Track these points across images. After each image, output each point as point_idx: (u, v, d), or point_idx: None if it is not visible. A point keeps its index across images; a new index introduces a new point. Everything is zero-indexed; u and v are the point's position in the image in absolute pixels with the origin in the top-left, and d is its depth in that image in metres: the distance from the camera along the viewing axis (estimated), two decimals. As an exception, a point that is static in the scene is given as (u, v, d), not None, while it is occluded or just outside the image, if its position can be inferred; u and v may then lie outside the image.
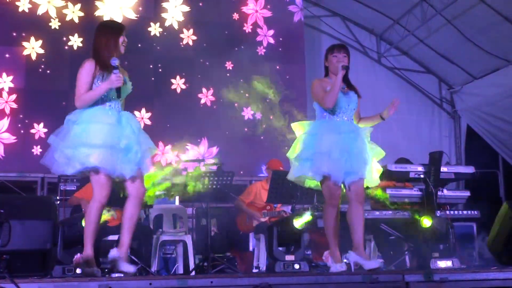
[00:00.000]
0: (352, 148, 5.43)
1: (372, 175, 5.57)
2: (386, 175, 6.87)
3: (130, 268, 4.92)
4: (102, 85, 4.90)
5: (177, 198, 7.64)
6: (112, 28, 5.16)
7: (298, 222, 6.32)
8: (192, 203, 8.12)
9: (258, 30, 11.13)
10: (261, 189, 8.07)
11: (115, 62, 4.91)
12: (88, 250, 4.90)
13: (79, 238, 5.25)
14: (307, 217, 6.27)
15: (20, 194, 8.49)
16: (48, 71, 9.91)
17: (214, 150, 10.43)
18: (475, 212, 7.34)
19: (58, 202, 7.86)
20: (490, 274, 4.76)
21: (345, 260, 5.71)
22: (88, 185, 7.27)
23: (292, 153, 5.58)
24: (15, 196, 7.96)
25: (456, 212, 7.37)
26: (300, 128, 5.67)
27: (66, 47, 10.02)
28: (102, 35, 5.11)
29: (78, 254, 5.06)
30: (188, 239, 7.47)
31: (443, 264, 5.80)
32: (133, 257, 6.45)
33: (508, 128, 11.12)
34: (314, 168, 5.39)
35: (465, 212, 7.36)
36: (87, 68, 4.96)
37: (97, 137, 4.83)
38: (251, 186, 8.43)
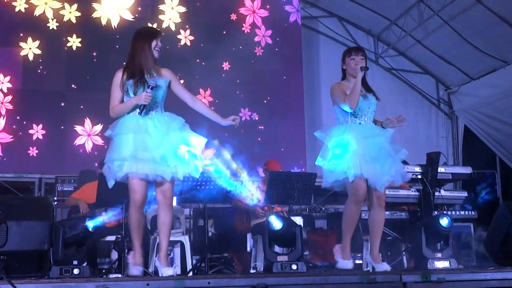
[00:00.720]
0: (382, 152, 5.48)
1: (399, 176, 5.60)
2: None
3: (167, 271, 5.04)
4: (130, 100, 5.08)
5: (174, 198, 7.63)
6: (146, 33, 5.34)
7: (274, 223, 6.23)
8: (189, 203, 8.12)
9: (256, 30, 11.13)
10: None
11: (153, 83, 5.08)
12: (138, 256, 5.15)
13: (80, 239, 5.31)
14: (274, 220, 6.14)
15: (17, 194, 8.47)
16: (45, 72, 9.90)
17: (211, 151, 10.41)
18: (473, 213, 7.35)
19: (56, 202, 7.86)
20: (487, 275, 4.77)
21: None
22: (85, 186, 7.29)
23: (323, 160, 5.61)
24: (12, 196, 7.95)
25: (453, 212, 7.38)
26: (326, 135, 5.69)
27: (65, 48, 10.02)
28: (137, 41, 5.26)
29: (132, 253, 5.26)
30: (186, 240, 7.45)
31: (441, 264, 5.80)
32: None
33: (505, 129, 11.14)
34: (350, 169, 5.41)
35: (462, 212, 7.36)
36: (115, 80, 5.17)
37: (124, 148, 5.01)
38: (248, 187, 8.43)
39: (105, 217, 6.75)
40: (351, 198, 5.53)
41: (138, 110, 5.07)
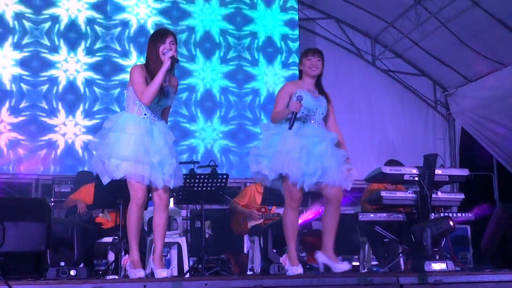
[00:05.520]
0: (313, 151, 5.40)
1: (341, 179, 5.47)
2: (380, 177, 6.88)
3: (162, 273, 5.03)
4: (159, 72, 5.00)
5: (171, 200, 7.64)
6: (154, 37, 5.25)
7: None
8: (186, 205, 8.12)
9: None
10: (255, 192, 8.07)
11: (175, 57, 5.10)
12: (134, 254, 5.13)
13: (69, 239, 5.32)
14: None
15: (14, 195, 8.47)
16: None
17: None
18: (470, 215, 7.35)
19: (53, 204, 7.85)
20: (484, 277, 4.78)
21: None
22: (83, 187, 7.28)
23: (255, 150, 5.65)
24: (9, 197, 7.94)
25: (450, 214, 7.37)
26: (266, 128, 5.71)
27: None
28: (149, 45, 5.23)
29: (126, 256, 5.27)
30: (183, 241, 7.46)
31: (438, 266, 5.80)
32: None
33: (502, 131, 11.15)
34: (271, 166, 5.38)
35: (459, 214, 7.36)
36: (139, 73, 5.10)
37: (125, 148, 4.98)
38: (245, 189, 8.44)
39: (103, 218, 6.80)
40: (287, 203, 5.51)
41: (146, 110, 5.11)
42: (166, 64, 5.02)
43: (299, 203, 5.54)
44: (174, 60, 5.07)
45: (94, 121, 9.84)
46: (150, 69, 5.11)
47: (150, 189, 5.17)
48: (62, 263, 5.18)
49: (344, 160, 5.53)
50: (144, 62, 5.24)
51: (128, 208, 5.15)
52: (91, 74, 10.02)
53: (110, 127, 5.10)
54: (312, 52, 5.70)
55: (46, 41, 9.89)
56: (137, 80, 5.07)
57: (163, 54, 5.08)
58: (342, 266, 5.35)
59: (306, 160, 5.35)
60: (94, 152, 5.22)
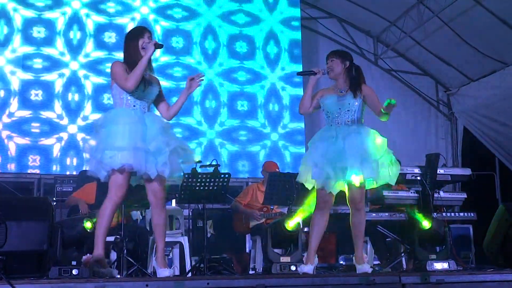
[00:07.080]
0: (329, 154, 5.48)
1: (379, 173, 5.58)
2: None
3: (164, 273, 5.04)
4: (143, 58, 5.05)
5: (173, 200, 7.64)
6: (132, 33, 5.33)
7: (290, 224, 6.36)
8: (188, 204, 8.11)
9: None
10: (257, 191, 8.07)
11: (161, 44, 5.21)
12: (100, 249, 5.02)
13: (78, 239, 5.29)
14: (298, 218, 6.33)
15: (16, 194, 8.47)
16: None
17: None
18: (472, 214, 7.35)
19: (55, 203, 7.85)
20: (487, 276, 4.78)
21: None
22: (85, 186, 7.28)
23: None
24: (12, 196, 7.94)
25: (452, 214, 7.37)
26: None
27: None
28: (126, 42, 5.28)
29: (88, 254, 5.14)
30: (185, 241, 7.46)
31: (440, 266, 5.81)
32: (129, 258, 6.45)
33: (505, 130, 11.14)
34: (306, 178, 5.61)
35: (461, 214, 7.36)
36: (117, 63, 5.16)
37: (119, 138, 4.94)
38: (247, 188, 8.43)
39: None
40: (316, 206, 5.65)
41: (133, 102, 5.11)
42: (151, 50, 5.09)
43: (325, 204, 5.60)
44: (158, 46, 5.15)
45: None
46: (129, 62, 5.13)
47: (145, 186, 5.16)
48: (74, 263, 5.18)
49: (368, 156, 5.59)
50: (123, 60, 5.25)
51: (103, 205, 5.07)
52: (94, 73, 10.04)
53: (100, 124, 5.11)
54: (327, 56, 5.82)
55: (49, 41, 9.91)
56: (119, 71, 5.09)
57: (143, 48, 5.14)
58: (363, 268, 5.50)
59: (326, 165, 5.45)
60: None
